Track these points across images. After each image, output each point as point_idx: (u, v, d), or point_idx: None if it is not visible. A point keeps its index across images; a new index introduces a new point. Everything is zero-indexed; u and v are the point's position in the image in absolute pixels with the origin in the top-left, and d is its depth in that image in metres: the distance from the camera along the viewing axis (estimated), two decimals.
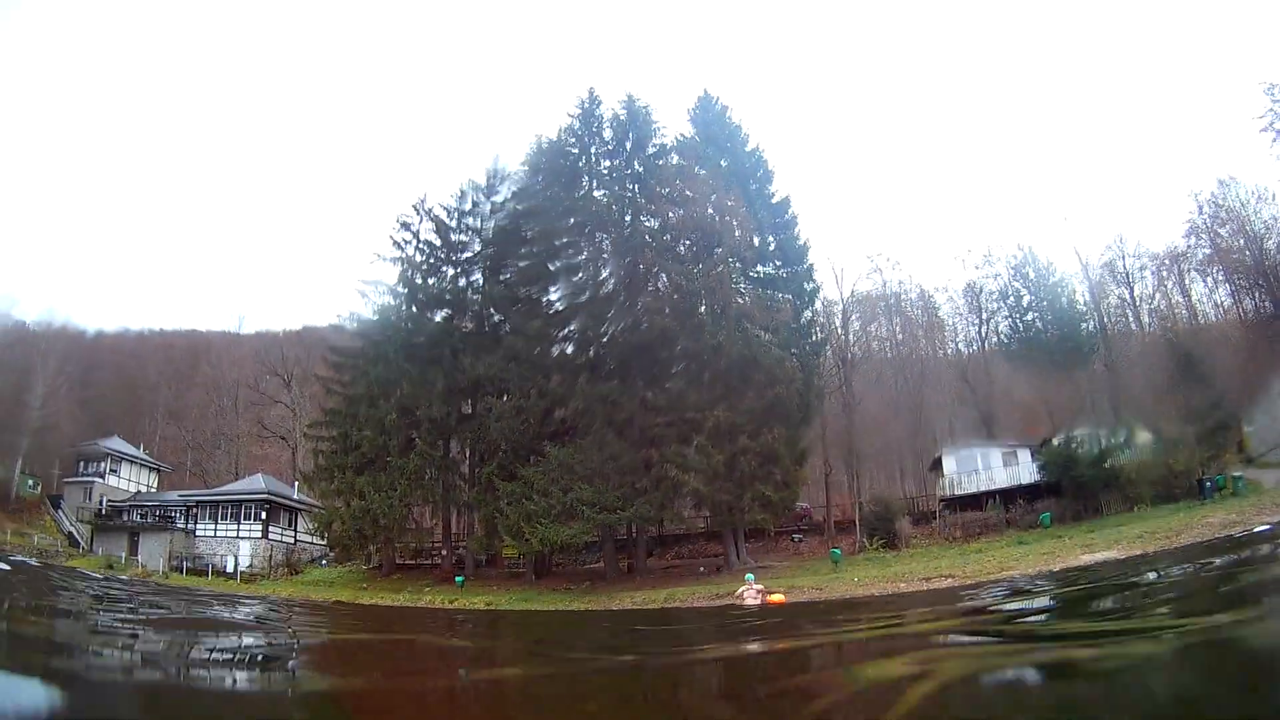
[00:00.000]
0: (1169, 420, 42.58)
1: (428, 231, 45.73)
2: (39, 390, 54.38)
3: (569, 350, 41.66)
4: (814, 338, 44.82)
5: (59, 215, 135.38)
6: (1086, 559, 25.58)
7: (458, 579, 38.86)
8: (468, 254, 45.50)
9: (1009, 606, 12.40)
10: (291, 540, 51.03)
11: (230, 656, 8.34)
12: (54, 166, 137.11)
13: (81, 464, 56.63)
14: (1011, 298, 52.92)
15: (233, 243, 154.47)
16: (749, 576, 24.47)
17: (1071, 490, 38.49)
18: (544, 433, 38.66)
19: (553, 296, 42.82)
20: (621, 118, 43.72)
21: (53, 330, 61.36)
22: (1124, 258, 59.96)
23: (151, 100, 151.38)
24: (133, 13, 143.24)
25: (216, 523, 49.87)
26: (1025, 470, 42.02)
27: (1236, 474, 35.75)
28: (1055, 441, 42.01)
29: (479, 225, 46.00)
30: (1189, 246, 61.54)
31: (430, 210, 46.05)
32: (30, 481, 55.29)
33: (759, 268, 43.85)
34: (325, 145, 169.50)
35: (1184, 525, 27.94)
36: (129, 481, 57.77)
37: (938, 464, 44.88)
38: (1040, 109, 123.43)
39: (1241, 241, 57.37)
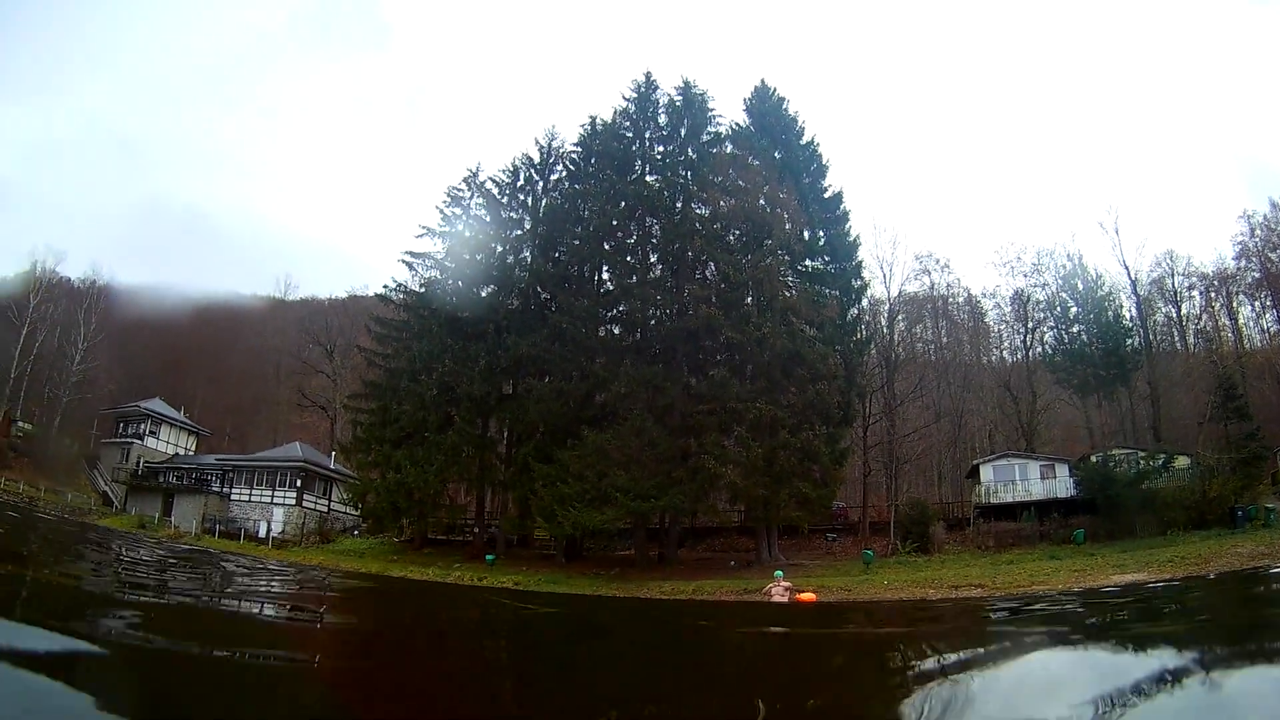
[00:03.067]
0: (1207, 446, 41.98)
1: (478, 206, 45.64)
2: (80, 347, 54.98)
3: (615, 331, 41.64)
4: (859, 336, 44.35)
5: (110, 172, 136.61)
6: (1118, 580, 25.24)
7: (488, 557, 38.70)
8: (518, 231, 45.20)
9: None
10: (325, 509, 51.13)
11: None
12: (105, 122, 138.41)
13: (121, 425, 57.03)
14: (1058, 308, 52.07)
15: (283, 205, 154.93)
16: (778, 574, 24.19)
17: (1106, 509, 37.82)
18: (583, 416, 38.31)
19: (603, 275, 42.91)
20: (677, 104, 43.55)
21: (96, 288, 62.01)
22: (1173, 276, 59.05)
23: (204, 64, 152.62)
24: None
25: (251, 488, 50.16)
26: (1062, 485, 41.40)
27: (1270, 505, 35.37)
28: (1094, 459, 41.48)
29: (530, 203, 45.76)
30: (1238, 269, 60.55)
31: (482, 184, 45.87)
32: (67, 440, 55.90)
33: (807, 262, 43.41)
34: (380, 112, 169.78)
35: (1214, 553, 27.78)
36: (167, 444, 58.04)
37: (975, 472, 44.29)
38: (1098, 120, 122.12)
39: None
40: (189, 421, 61.79)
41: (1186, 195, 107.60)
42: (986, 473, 43.00)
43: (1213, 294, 62.11)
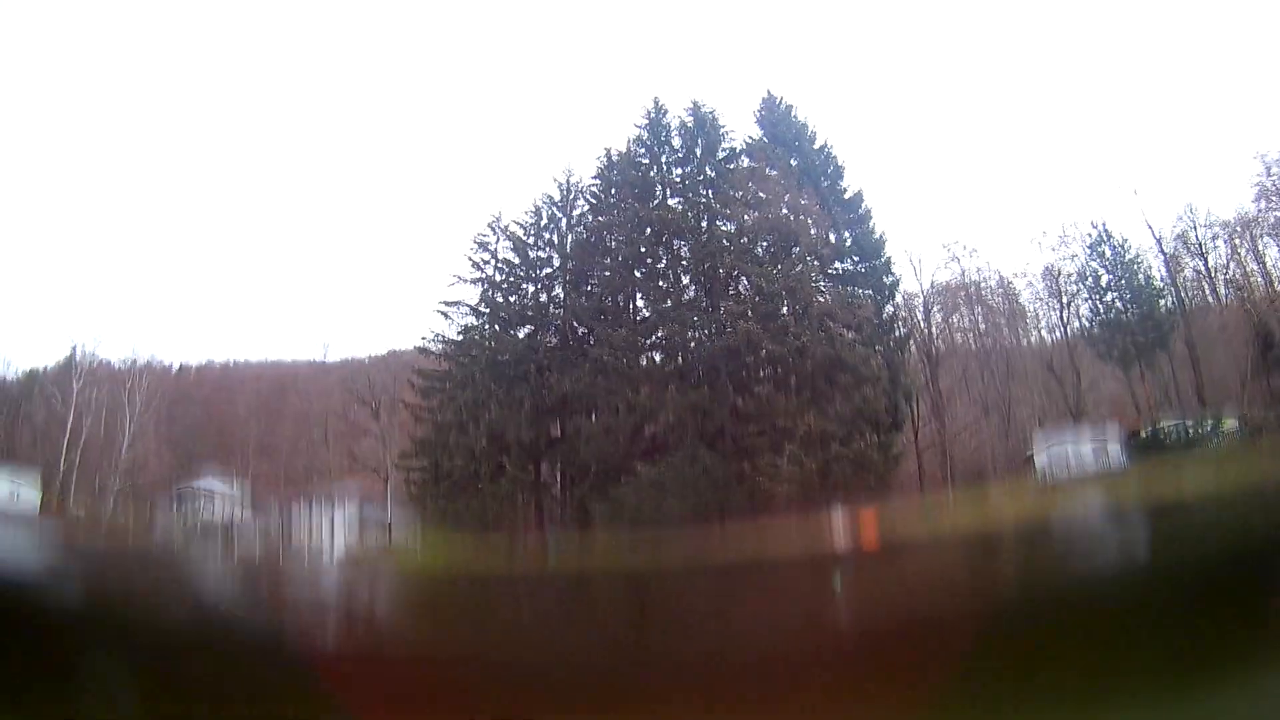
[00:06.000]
0: (1252, 404, 41.27)
1: (505, 250, 45.68)
2: (128, 429, 55.26)
3: (657, 359, 41.57)
4: (897, 333, 44.13)
5: (136, 251, 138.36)
6: None
7: None
8: (547, 269, 45.40)
9: None
10: None
11: None
12: (126, 203, 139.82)
13: (175, 505, 57.16)
14: (1090, 278, 51.44)
15: (314, 270, 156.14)
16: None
17: None
18: (634, 451, 38.21)
19: (638, 303, 43.07)
20: (688, 124, 43.71)
21: (137, 368, 62.14)
22: (1195, 228, 57.92)
23: (228, 133, 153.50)
24: (205, 38, 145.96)
25: None
26: (1116, 464, 40.83)
27: None
28: (1143, 433, 40.88)
29: (557, 240, 45.93)
30: (1259, 211, 59.57)
31: (506, 228, 45.89)
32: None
33: (837, 265, 43.26)
34: (401, 170, 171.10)
35: None
36: None
37: (1029, 461, 43.89)
38: (1104, 77, 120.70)
39: None
40: (244, 495, 61.85)
41: (1198, 141, 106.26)
42: (1041, 460, 42.44)
43: (1237, 240, 61.22)
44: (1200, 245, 58.99)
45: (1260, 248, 62.17)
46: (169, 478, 57.72)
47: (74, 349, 60.55)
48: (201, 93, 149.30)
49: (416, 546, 47.71)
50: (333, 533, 48.40)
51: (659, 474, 35.87)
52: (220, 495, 58.71)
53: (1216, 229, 59.07)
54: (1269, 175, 58.30)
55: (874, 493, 35.91)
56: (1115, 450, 41.40)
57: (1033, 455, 43.52)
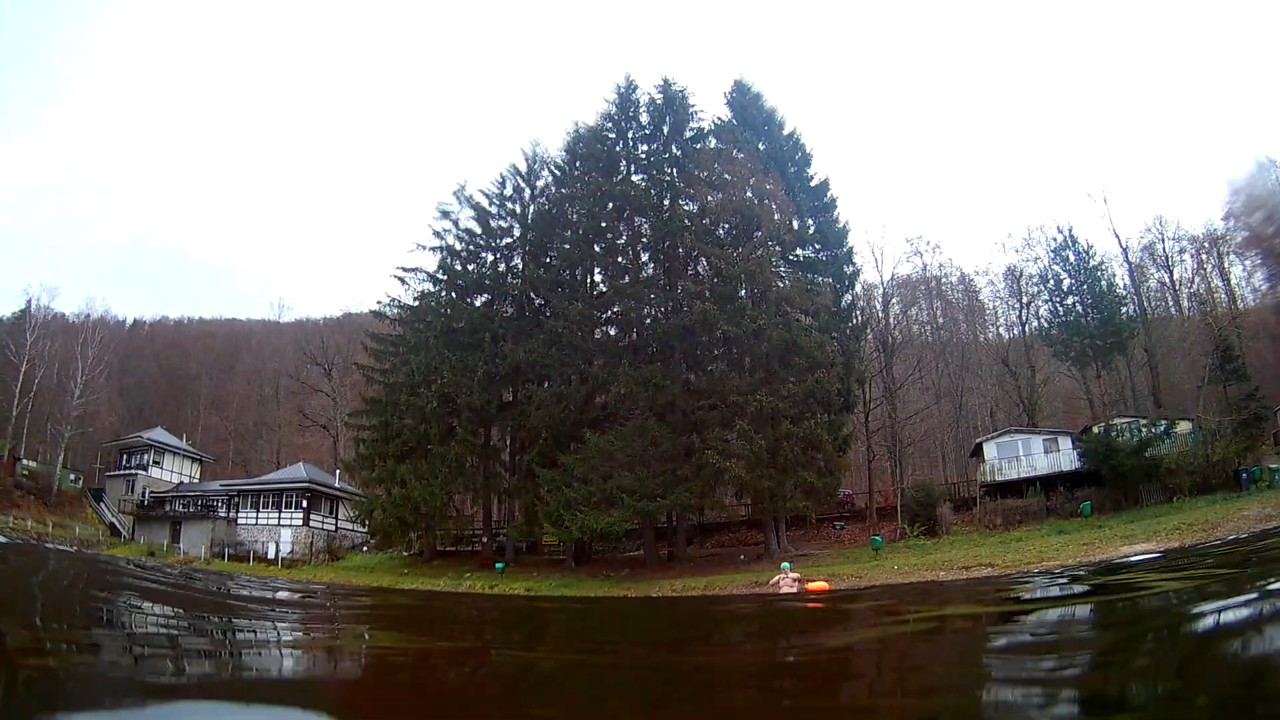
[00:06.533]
0: (1207, 410, 41.81)
1: (468, 219, 45.64)
2: (79, 381, 55.02)
3: (611, 332, 41.66)
4: (854, 321, 44.28)
5: (95, 205, 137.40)
6: (1127, 550, 25.03)
7: (498, 565, 38.91)
8: (508, 239, 45.46)
9: None
10: (333, 527, 51.30)
11: None
12: (88, 152, 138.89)
13: (124, 457, 57.21)
14: (1052, 281, 51.94)
15: (272, 231, 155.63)
16: (785, 565, 24.44)
17: (1111, 479, 37.43)
18: (584, 419, 38.41)
19: (596, 278, 43.02)
20: (658, 102, 43.38)
21: (91, 321, 61.93)
22: (1163, 240, 58.92)
23: (188, 88, 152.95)
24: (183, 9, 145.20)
25: (258, 511, 50.32)
26: (1066, 458, 41.04)
27: (1273, 466, 34.75)
28: (1095, 430, 41.25)
29: (519, 211, 45.91)
30: (1227, 229, 60.41)
31: (470, 197, 45.89)
32: (72, 475, 56.09)
33: (798, 251, 43.43)
34: (367, 134, 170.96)
35: (1221, 518, 27.32)
36: (171, 472, 58.30)
37: (978, 450, 44.24)
38: (1083, 87, 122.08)
39: (1271, 229, 56.21)
40: (191, 449, 61.92)
41: (1173, 155, 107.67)
42: (990, 450, 42.91)
43: (1204, 256, 61.98)
44: (1167, 258, 59.92)
45: (1226, 265, 63.26)
46: (119, 427, 57.56)
47: (29, 301, 60.27)
48: (168, 50, 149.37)
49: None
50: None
51: (608, 443, 36.00)
52: (169, 448, 58.66)
53: (1184, 243, 60.06)
54: (1236, 197, 59.30)
55: (822, 472, 36.28)
56: (1066, 444, 41.81)
57: (982, 444, 43.89)
